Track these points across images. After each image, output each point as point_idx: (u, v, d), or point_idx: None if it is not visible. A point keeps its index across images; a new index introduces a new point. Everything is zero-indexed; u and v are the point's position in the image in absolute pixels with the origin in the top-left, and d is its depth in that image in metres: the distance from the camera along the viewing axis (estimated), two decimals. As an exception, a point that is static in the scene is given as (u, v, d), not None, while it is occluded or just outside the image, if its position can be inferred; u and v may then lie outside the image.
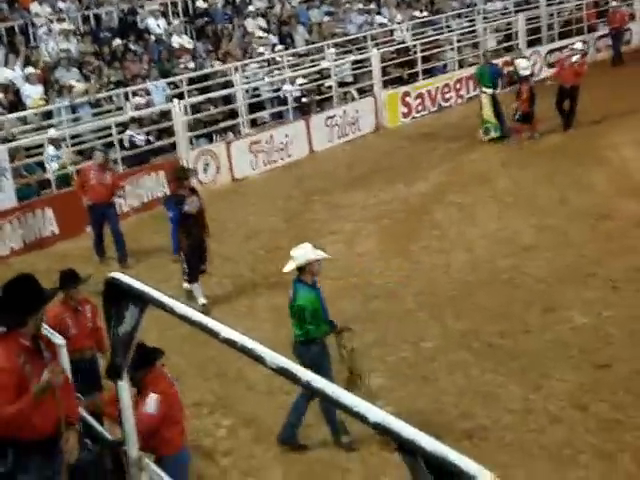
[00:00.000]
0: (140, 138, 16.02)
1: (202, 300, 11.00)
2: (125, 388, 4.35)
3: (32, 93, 16.52)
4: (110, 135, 15.87)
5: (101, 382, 7.26)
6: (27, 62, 17.14)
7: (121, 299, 4.05)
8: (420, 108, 20.90)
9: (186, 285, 11.21)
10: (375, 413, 2.63)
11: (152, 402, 5.78)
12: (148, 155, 16.15)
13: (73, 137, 15.91)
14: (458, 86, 21.75)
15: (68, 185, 14.71)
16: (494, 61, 19.14)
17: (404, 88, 20.82)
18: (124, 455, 4.39)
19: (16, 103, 16.38)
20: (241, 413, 8.43)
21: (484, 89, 17.85)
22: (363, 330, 9.98)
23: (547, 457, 7.39)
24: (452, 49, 22.43)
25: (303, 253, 7.73)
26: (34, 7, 19.09)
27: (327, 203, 15.09)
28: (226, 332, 3.25)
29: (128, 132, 15.91)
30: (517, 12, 24.81)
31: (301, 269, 7.72)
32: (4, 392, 4.34)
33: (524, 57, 18.90)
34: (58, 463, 4.34)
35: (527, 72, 17.54)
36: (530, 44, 23.72)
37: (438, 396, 8.51)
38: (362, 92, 20.28)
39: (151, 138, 16.28)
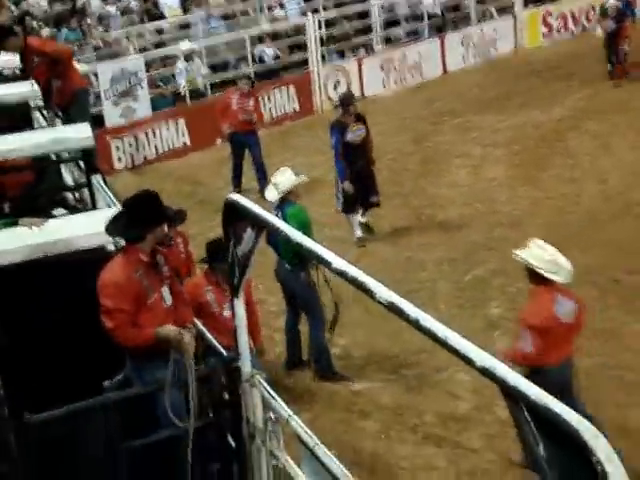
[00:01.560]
0: (269, 53, 15.95)
1: (358, 232, 10.56)
2: (241, 305, 4.45)
3: (170, 2, 16.70)
4: (244, 49, 15.93)
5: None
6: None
7: (239, 221, 4.12)
8: (562, 29, 20.07)
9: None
10: (482, 357, 2.60)
11: None
12: (279, 70, 16.13)
13: (207, 49, 16.05)
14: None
15: (200, 97, 14.96)
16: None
17: (546, 7, 19.98)
18: (237, 371, 4.52)
19: (155, 13, 16.61)
20: (356, 335, 8.51)
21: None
22: (485, 258, 9.92)
23: (666, 400, 7.20)
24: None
25: (285, 178, 7.64)
26: None
27: (457, 125, 14.80)
28: (337, 263, 3.26)
29: (259, 47, 15.90)
30: None
31: (285, 194, 7.59)
32: (121, 304, 4.51)
33: None
34: (177, 369, 4.52)
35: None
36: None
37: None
38: (501, 10, 19.59)
39: (280, 54, 16.17)
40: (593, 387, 7.44)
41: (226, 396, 4.71)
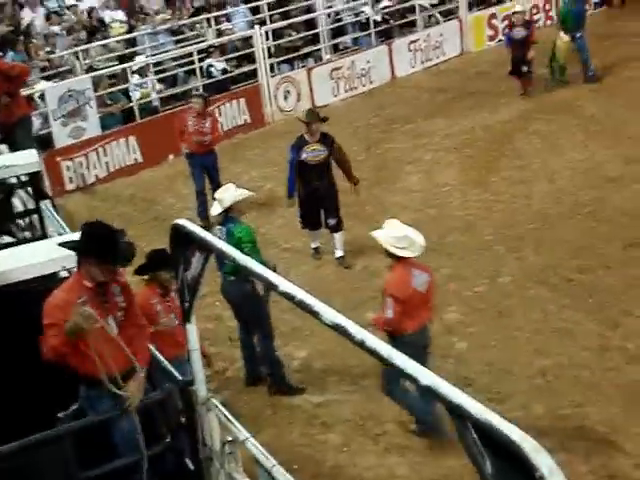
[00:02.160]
0: (218, 67, 15.94)
1: (313, 244, 10.62)
2: (193, 330, 4.46)
3: (114, 20, 16.63)
4: (192, 63, 15.91)
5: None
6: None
7: (187, 245, 4.13)
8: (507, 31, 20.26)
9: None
10: (426, 376, 2.63)
11: None
12: (228, 83, 16.13)
13: (155, 65, 16.00)
14: (547, 7, 21.00)
15: (152, 114, 14.91)
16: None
17: (490, 10, 20.21)
18: (193, 395, 4.52)
19: (98, 31, 16.52)
20: (315, 346, 8.53)
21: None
22: (440, 263, 9.99)
23: (622, 397, 7.31)
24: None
25: (228, 194, 7.69)
26: None
27: (408, 131, 14.90)
28: (284, 286, 3.28)
29: (208, 61, 15.89)
30: None
31: (228, 210, 7.65)
32: (53, 327, 4.48)
33: None
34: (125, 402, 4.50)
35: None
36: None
37: (513, 332, 8.46)
38: (447, 15, 19.77)
39: (228, 67, 16.15)
40: (550, 387, 7.56)
41: (183, 420, 4.71)
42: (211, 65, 15.87)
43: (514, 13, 16.20)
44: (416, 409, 6.94)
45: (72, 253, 4.80)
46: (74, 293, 4.58)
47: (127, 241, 4.87)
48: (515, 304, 8.98)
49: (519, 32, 15.71)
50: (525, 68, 15.65)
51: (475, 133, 14.29)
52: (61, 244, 4.74)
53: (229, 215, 7.65)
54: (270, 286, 3.38)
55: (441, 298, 9.18)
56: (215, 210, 7.78)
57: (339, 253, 10.44)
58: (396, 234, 6.70)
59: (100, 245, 4.54)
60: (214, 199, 7.97)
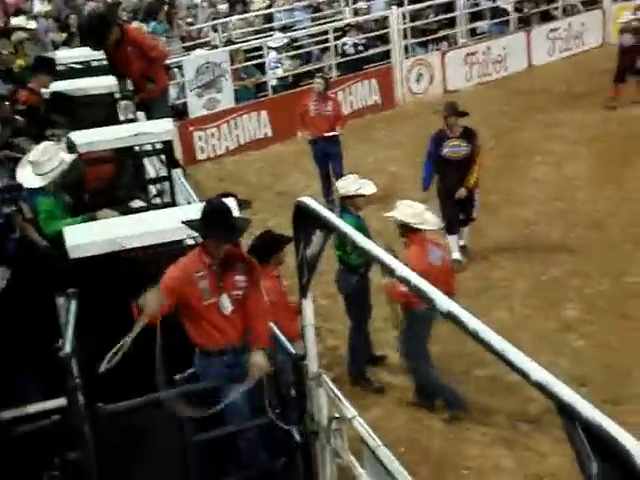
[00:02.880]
0: (350, 44, 15.92)
1: (456, 255, 9.67)
2: (309, 305, 4.53)
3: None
4: (327, 41, 16.00)
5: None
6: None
7: (309, 223, 4.19)
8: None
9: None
10: (537, 372, 2.61)
11: None
12: (361, 63, 16.15)
13: (292, 42, 16.18)
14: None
15: (285, 89, 15.13)
16: None
17: (636, 1, 19.47)
18: (304, 369, 4.61)
19: (239, 4, 16.80)
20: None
21: None
22: (563, 258, 9.80)
23: None
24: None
25: (343, 185, 7.56)
26: None
27: (540, 121, 14.58)
28: (401, 270, 3.30)
29: (343, 40, 15.93)
30: None
31: (345, 199, 7.51)
32: (168, 296, 4.64)
33: None
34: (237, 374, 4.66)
35: None
36: None
37: (634, 334, 8.20)
38: (590, 4, 19.19)
39: (360, 47, 16.12)
40: None
41: (293, 393, 4.81)
42: (345, 44, 15.90)
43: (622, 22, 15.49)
44: (444, 391, 7.25)
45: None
46: (194, 266, 4.75)
47: (243, 217, 5.01)
48: (638, 306, 8.70)
49: (629, 39, 14.94)
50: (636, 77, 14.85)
51: (611, 127, 13.86)
52: (184, 222, 4.89)
53: (344, 206, 7.54)
54: (387, 270, 3.40)
55: (561, 294, 9.06)
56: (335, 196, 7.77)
57: (461, 242, 10.04)
58: (412, 211, 6.98)
59: (215, 224, 4.69)
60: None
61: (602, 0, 19.02)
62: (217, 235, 4.73)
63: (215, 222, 4.71)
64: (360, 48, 16.05)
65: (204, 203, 4.93)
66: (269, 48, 15.33)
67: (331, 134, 11.51)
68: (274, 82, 15.32)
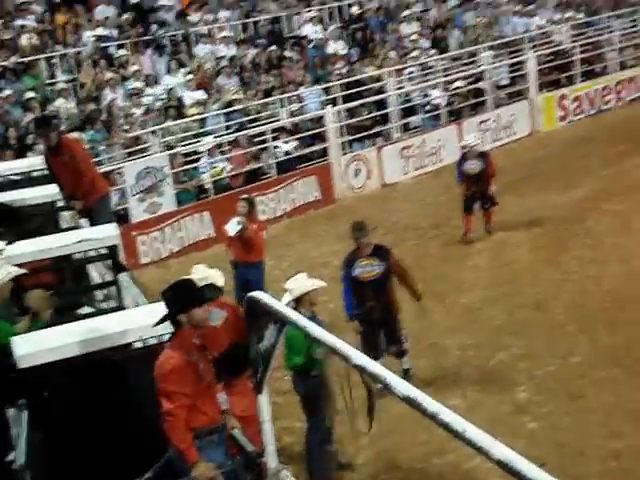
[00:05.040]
0: (284, 148, 16.26)
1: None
2: (265, 402, 4.52)
3: (191, 100, 17.11)
4: (264, 142, 16.27)
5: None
6: (187, 70, 17.79)
7: (262, 317, 4.23)
8: (578, 111, 20.38)
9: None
10: (500, 450, 2.65)
11: None
12: (299, 162, 16.46)
13: (228, 144, 16.41)
14: (619, 88, 21.08)
15: (225, 190, 15.27)
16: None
17: (561, 91, 20.34)
18: (263, 466, 4.56)
19: (177, 110, 17.02)
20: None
21: None
22: (509, 341, 9.92)
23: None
24: (613, 50, 21.71)
25: (298, 284, 7.42)
26: (196, 16, 19.77)
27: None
28: (358, 357, 3.34)
29: (277, 142, 16.24)
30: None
31: (298, 300, 7.33)
32: (184, 388, 4.70)
33: None
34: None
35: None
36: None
37: (585, 413, 8.30)
38: (517, 95, 19.94)
39: (294, 149, 16.45)
40: (624, 470, 7.37)
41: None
42: (276, 146, 16.18)
43: (464, 147, 13.97)
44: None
45: (148, 323, 4.97)
46: (183, 351, 4.78)
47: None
48: (587, 384, 8.82)
49: (473, 165, 13.54)
50: (487, 204, 13.61)
51: (545, 212, 14.24)
52: (156, 325, 4.92)
53: (297, 307, 7.21)
54: (345, 359, 3.44)
55: (511, 377, 9.15)
56: (285, 299, 7.35)
57: (405, 366, 9.27)
58: (198, 275, 6.81)
59: (194, 290, 4.85)
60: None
61: (528, 91, 19.75)
62: (196, 300, 4.82)
63: (195, 288, 4.79)
64: (290, 150, 16.33)
65: (172, 289, 4.96)
66: (203, 152, 15.57)
67: (252, 260, 10.70)
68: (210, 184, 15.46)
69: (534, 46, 21.25)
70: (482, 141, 14.08)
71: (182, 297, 4.88)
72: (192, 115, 16.79)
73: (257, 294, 4.24)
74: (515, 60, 20.39)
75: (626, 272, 11.48)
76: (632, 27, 23.20)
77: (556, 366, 9.30)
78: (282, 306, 4.09)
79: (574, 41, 21.64)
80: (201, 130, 16.59)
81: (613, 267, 11.72)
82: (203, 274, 6.92)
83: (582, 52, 20.96)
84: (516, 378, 9.00)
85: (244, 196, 11.58)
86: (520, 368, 9.27)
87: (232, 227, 10.69)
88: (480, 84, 19.40)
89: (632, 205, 13.89)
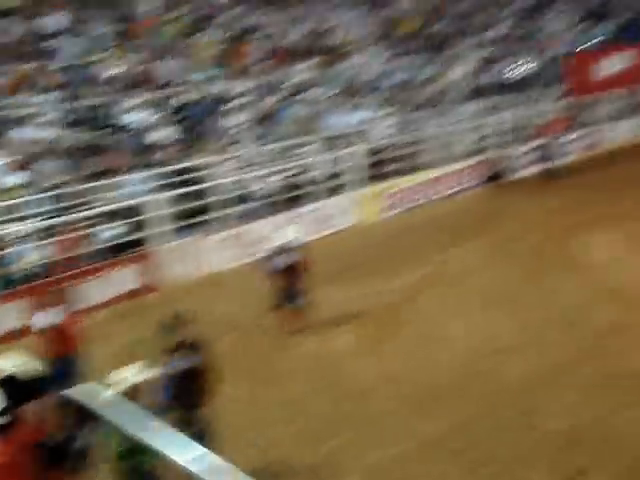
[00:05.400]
0: (108, 234, 15.82)
1: None
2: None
3: (10, 183, 16.45)
4: (86, 228, 15.75)
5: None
6: (7, 152, 17.16)
7: (78, 415, 3.90)
8: (401, 204, 21.03)
9: None
10: None
11: None
12: (121, 249, 16.03)
13: (48, 229, 15.76)
14: (441, 181, 22.06)
15: (38, 278, 14.62)
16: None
17: (385, 184, 20.93)
18: None
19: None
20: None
21: None
22: (338, 431, 9.83)
23: None
24: (434, 146, 22.79)
25: (126, 378, 6.98)
26: (18, 97, 19.16)
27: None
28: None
29: (100, 227, 15.80)
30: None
31: (132, 389, 6.83)
32: None
33: None
34: None
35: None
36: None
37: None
38: (340, 188, 20.35)
39: (117, 235, 16.05)
40: None
41: None
42: (97, 233, 15.76)
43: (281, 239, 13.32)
44: None
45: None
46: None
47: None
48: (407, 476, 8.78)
49: (283, 261, 13.20)
50: (299, 301, 13.32)
51: (367, 302, 14.37)
52: None
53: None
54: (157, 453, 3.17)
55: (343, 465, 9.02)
56: (109, 392, 6.95)
57: None
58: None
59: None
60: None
61: (350, 184, 20.15)
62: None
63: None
64: (118, 234, 15.94)
65: None
66: (18, 238, 14.90)
67: (66, 353, 10.27)
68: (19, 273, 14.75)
69: (357, 140, 21.89)
70: (302, 233, 13.95)
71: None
72: (10, 199, 16.10)
73: (78, 389, 3.91)
74: (338, 154, 20.87)
75: (448, 360, 11.69)
76: (453, 124, 24.44)
77: (376, 458, 9.25)
78: (98, 403, 3.77)
79: (396, 136, 22.50)
80: (15, 215, 15.87)
81: (434, 355, 11.92)
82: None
83: (404, 147, 21.78)
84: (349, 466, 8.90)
85: (54, 287, 11.22)
86: (350, 456, 9.15)
87: None
88: (302, 176, 19.69)
89: (456, 294, 14.38)
